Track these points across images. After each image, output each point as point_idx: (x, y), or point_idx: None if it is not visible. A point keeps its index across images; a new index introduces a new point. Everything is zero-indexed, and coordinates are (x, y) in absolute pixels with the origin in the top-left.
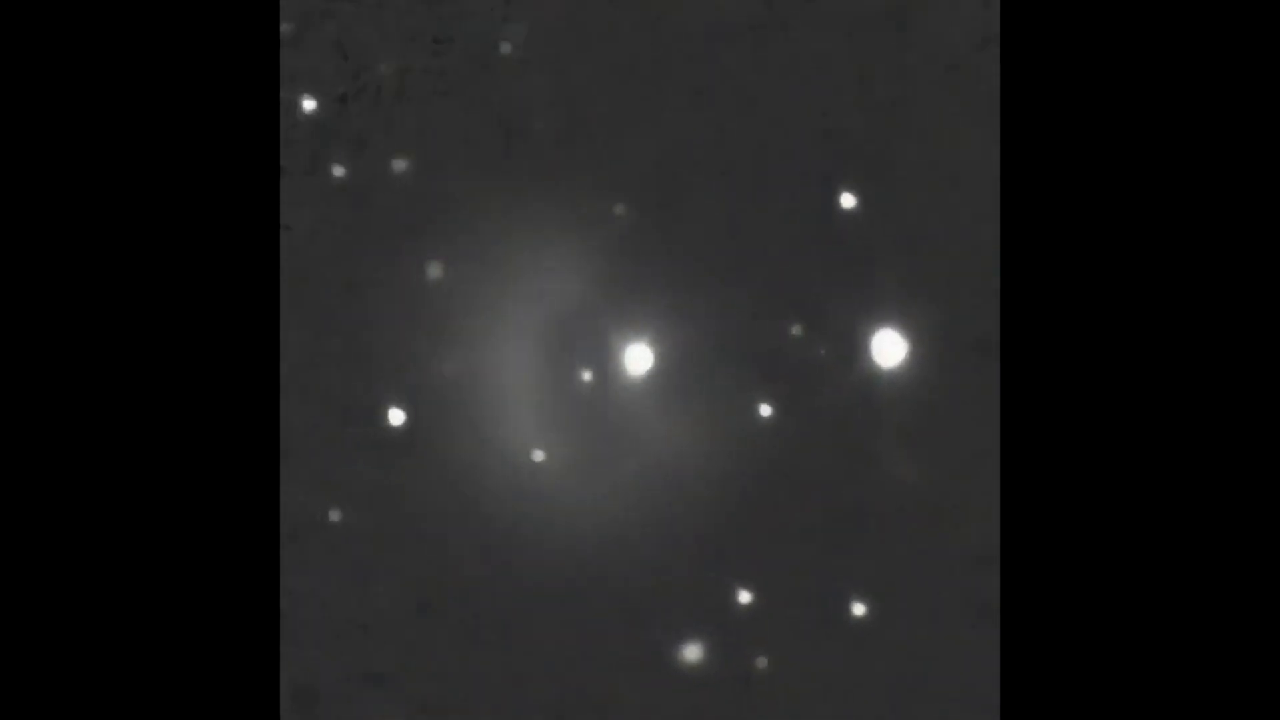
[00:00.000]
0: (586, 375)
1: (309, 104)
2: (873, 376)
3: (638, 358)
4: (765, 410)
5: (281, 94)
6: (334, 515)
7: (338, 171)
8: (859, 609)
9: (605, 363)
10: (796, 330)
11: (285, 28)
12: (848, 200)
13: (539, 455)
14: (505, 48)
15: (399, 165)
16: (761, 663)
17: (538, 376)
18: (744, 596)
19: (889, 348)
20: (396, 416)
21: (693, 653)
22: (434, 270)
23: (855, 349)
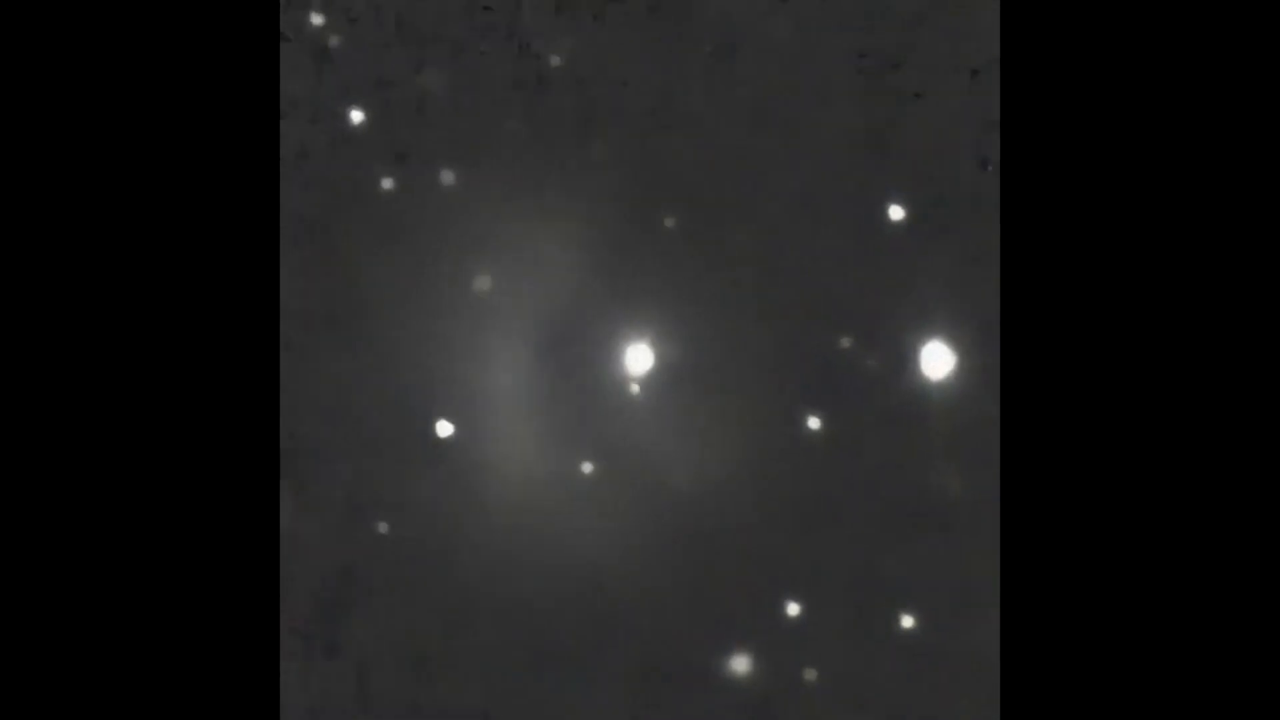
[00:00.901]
0: (635, 388)
1: (357, 115)
2: (921, 388)
3: (638, 358)
4: (814, 422)
5: (331, 104)
6: (382, 528)
7: (386, 184)
8: (907, 620)
9: (649, 375)
10: (845, 342)
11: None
12: (896, 213)
13: (588, 467)
14: (554, 60)
15: (446, 177)
16: (810, 675)
17: (581, 387)
18: (792, 608)
19: (937, 359)
20: (445, 428)
21: (740, 665)
22: (481, 282)
23: (904, 360)
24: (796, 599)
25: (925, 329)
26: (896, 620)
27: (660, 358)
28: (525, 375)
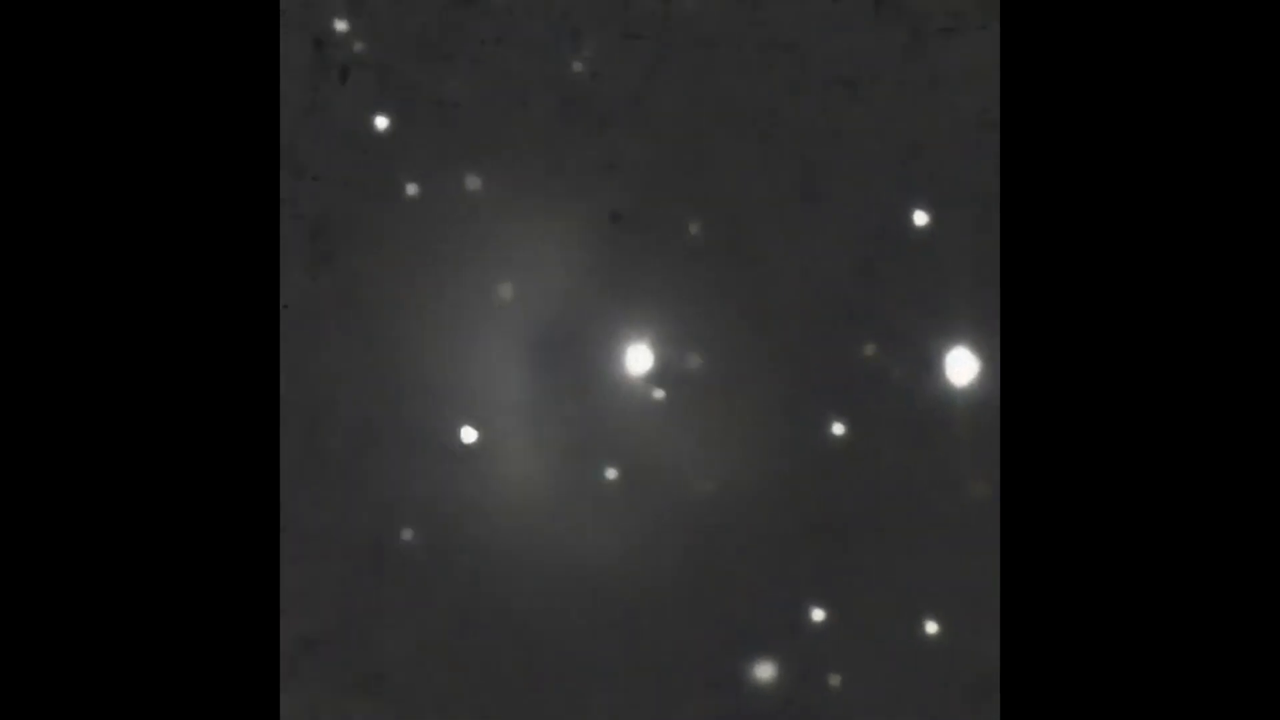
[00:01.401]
0: (659, 393)
1: (381, 121)
2: (946, 394)
3: (637, 358)
4: (838, 428)
5: (343, 109)
6: (406, 534)
7: (411, 190)
8: (931, 626)
9: (666, 380)
10: (870, 349)
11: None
12: (921, 218)
13: (612, 473)
14: (577, 65)
15: (472, 183)
16: (835, 681)
17: (605, 393)
18: (817, 614)
19: (961, 365)
20: (469, 435)
21: (765, 671)
22: (505, 291)
23: (928, 367)
24: (816, 605)
25: (949, 336)
26: (920, 626)
27: (680, 363)
28: (537, 379)
